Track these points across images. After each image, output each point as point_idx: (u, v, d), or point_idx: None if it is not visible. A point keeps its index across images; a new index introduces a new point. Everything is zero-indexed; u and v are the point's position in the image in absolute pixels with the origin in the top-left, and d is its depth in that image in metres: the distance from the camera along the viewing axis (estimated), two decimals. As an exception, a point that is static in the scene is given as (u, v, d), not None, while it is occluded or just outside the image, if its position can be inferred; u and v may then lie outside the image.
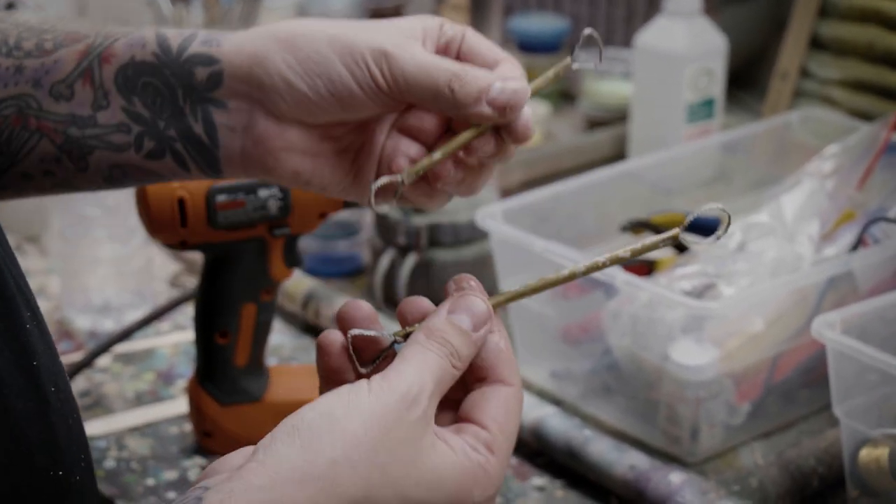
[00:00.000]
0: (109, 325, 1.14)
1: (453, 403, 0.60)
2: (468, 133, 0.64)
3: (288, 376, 0.98)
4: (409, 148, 0.66)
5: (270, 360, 1.08)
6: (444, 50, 0.65)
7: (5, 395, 0.56)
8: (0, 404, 0.56)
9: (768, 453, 0.96)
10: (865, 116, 1.28)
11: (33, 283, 1.16)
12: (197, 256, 1.19)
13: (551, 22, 1.61)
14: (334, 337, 0.60)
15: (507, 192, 1.26)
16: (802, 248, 0.99)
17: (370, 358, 0.60)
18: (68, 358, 1.08)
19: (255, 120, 0.65)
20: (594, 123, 1.51)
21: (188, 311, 1.15)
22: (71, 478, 0.60)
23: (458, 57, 0.65)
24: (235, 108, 0.65)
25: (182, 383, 1.06)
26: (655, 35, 1.35)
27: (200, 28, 0.68)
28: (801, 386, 0.99)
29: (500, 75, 0.63)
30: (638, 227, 1.11)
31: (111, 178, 0.68)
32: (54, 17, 0.70)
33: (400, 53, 0.63)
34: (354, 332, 0.60)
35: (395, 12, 1.63)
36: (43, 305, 0.64)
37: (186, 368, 1.08)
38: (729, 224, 0.59)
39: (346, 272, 1.21)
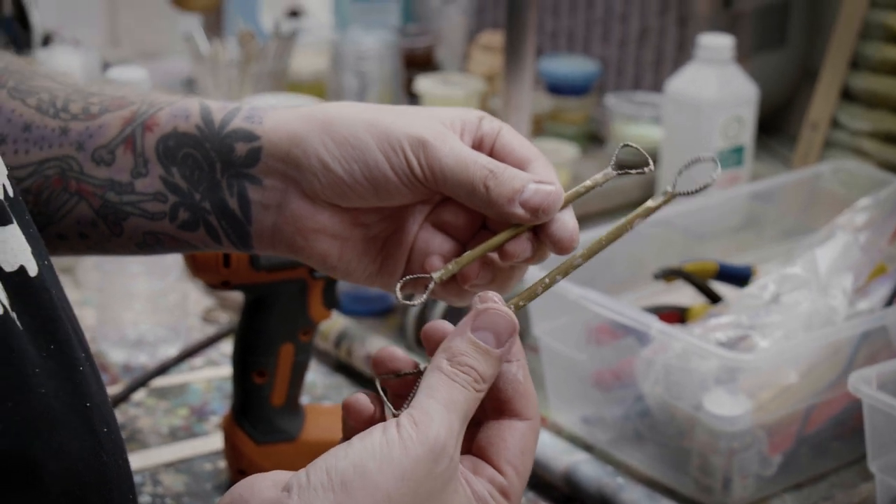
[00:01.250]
0: (143, 359, 1.15)
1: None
2: (504, 234, 0.63)
3: (323, 416, 0.99)
4: (443, 245, 0.66)
5: (303, 399, 1.09)
6: (479, 144, 0.65)
7: (61, 437, 0.57)
8: (56, 445, 0.57)
9: (800, 505, 0.97)
10: (896, 169, 1.29)
11: (68, 315, 1.17)
12: (232, 293, 1.20)
13: (581, 64, 1.63)
14: (363, 404, 0.59)
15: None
16: (836, 302, 1.00)
17: (404, 393, 0.60)
18: (103, 391, 1.09)
19: (288, 199, 0.65)
20: (623, 166, 1.52)
21: (222, 347, 1.16)
22: None
23: (493, 152, 0.65)
24: (271, 186, 0.66)
25: (215, 419, 1.07)
26: (686, 82, 1.36)
27: (245, 102, 0.68)
28: (833, 438, 1.00)
29: (536, 177, 0.63)
30: (671, 275, 1.12)
31: (144, 245, 0.69)
32: (102, 81, 0.71)
33: (439, 145, 0.63)
34: (383, 376, 0.60)
35: (427, 53, 1.65)
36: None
37: (220, 405, 1.09)
38: (719, 168, 0.61)
39: (379, 311, 1.22)
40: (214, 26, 1.70)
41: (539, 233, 0.63)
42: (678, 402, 0.97)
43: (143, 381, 1.06)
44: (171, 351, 1.15)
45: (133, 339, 1.16)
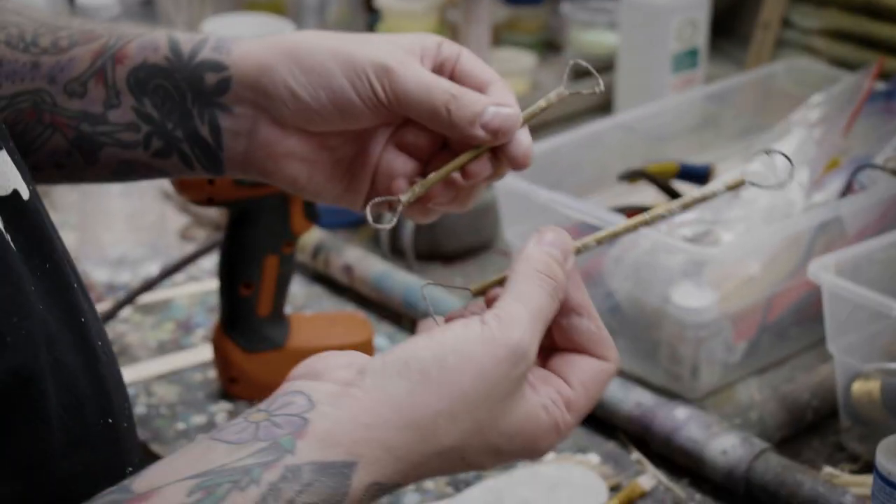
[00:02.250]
0: (126, 278, 1.18)
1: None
2: (465, 156, 0.67)
3: (307, 323, 1.03)
4: (406, 165, 0.69)
5: (286, 309, 1.13)
6: (440, 68, 0.68)
7: (59, 352, 0.59)
8: (54, 360, 0.58)
9: (764, 388, 1.02)
10: (846, 65, 1.34)
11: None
12: (207, 210, 1.23)
13: (535, -27, 1.64)
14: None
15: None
16: (793, 195, 1.05)
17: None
18: (90, 310, 1.12)
19: (258, 126, 0.68)
20: (580, 73, 1.55)
21: (201, 264, 1.19)
22: (119, 425, 0.64)
23: (453, 76, 0.68)
24: (241, 114, 0.68)
25: (201, 332, 1.11)
26: (641, -13, 1.39)
27: (211, 34, 0.70)
28: (793, 324, 1.05)
29: (495, 100, 0.66)
30: (634, 176, 1.16)
31: (118, 173, 0.71)
32: (69, 15, 0.72)
33: (401, 70, 0.66)
34: (429, 283, 0.63)
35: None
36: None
37: (204, 318, 1.13)
38: (793, 167, 0.62)
39: (353, 222, 1.25)
40: (168, -54, 1.70)
41: (497, 151, 0.67)
42: (647, 297, 1.01)
43: (129, 299, 1.09)
44: (152, 268, 1.18)
45: (114, 259, 1.18)
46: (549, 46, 1.64)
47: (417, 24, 1.53)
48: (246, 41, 0.69)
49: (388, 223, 0.67)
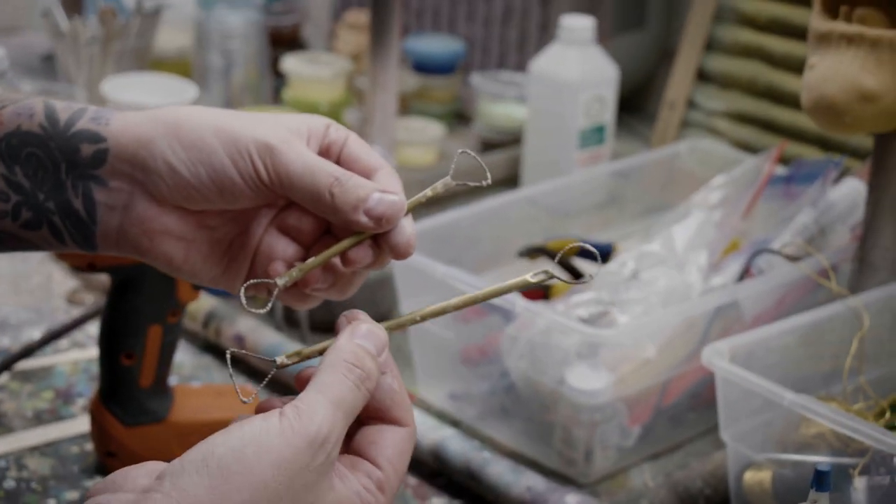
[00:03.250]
0: (6, 342, 1.13)
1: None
2: (346, 241, 0.65)
3: (191, 396, 1.00)
4: (287, 249, 0.67)
5: (171, 379, 1.09)
6: (326, 151, 0.67)
7: None
8: None
9: (657, 474, 1.00)
10: (748, 147, 1.34)
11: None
12: (98, 275, 1.19)
13: (446, 43, 1.64)
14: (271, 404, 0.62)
15: (405, 214, 1.28)
16: (692, 278, 1.04)
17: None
18: (-35, 376, 1.07)
19: (134, 201, 0.66)
20: (488, 145, 1.55)
21: (87, 329, 1.15)
22: None
23: (339, 160, 0.66)
24: (117, 188, 0.66)
25: (82, 402, 1.06)
26: (550, 62, 1.39)
27: (89, 104, 0.67)
28: (689, 410, 1.04)
29: (380, 186, 0.65)
30: (534, 252, 1.14)
31: None
32: None
33: (285, 150, 0.64)
34: (233, 350, 0.63)
35: (293, 31, 1.65)
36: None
37: (86, 387, 1.09)
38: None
39: (247, 291, 1.22)
40: (73, 2, 1.67)
41: (379, 239, 0.65)
42: (542, 377, 0.99)
43: (6, 365, 1.05)
44: (35, 333, 1.14)
45: (-5, 322, 1.14)
46: (458, 117, 1.63)
47: (324, 90, 1.51)
48: (126, 113, 0.67)
49: (263, 307, 0.64)
